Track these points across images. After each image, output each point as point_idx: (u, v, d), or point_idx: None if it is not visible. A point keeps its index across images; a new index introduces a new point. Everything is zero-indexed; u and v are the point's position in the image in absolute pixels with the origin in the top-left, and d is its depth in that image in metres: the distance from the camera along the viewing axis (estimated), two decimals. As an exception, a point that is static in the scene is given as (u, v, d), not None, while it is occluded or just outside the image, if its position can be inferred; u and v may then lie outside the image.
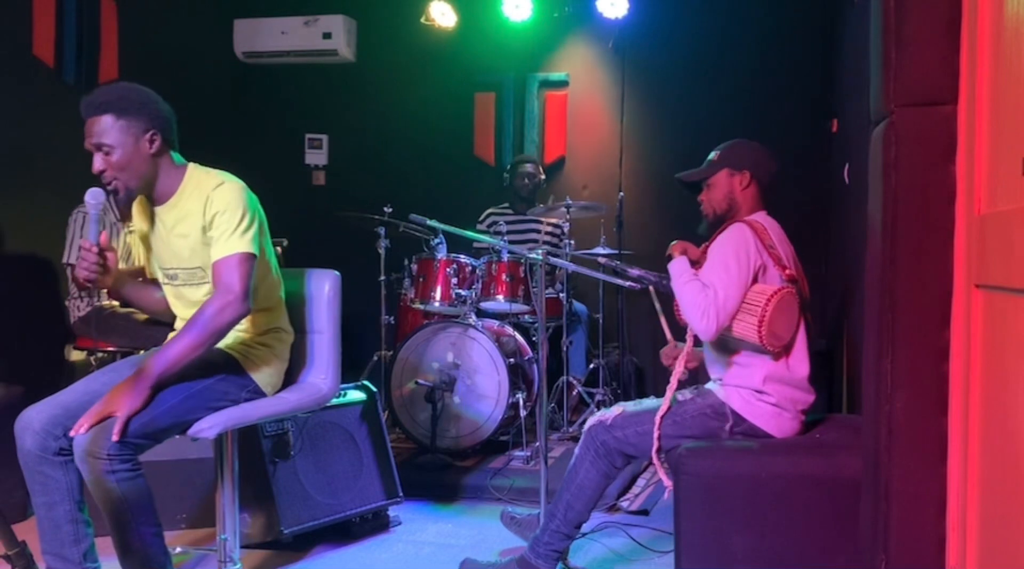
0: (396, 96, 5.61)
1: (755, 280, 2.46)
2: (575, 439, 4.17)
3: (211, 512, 2.67)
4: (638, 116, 5.34)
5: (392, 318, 4.43)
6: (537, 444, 3.65)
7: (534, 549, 2.60)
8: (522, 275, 4.10)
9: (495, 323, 4.15)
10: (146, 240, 2.50)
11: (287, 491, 2.89)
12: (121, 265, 2.41)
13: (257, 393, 2.45)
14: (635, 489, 3.56)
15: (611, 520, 3.24)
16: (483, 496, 3.56)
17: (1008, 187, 1.33)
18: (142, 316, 3.48)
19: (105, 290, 2.71)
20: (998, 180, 1.38)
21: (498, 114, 5.57)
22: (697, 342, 2.59)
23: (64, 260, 3.69)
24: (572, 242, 4.26)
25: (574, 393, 4.46)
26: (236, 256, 2.31)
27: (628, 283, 3.04)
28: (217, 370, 2.38)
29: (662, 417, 2.49)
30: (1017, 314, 1.27)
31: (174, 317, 2.54)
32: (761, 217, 2.60)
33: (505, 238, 3.95)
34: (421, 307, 4.19)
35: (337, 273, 2.69)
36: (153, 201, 2.42)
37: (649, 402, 2.64)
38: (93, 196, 2.29)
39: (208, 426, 2.28)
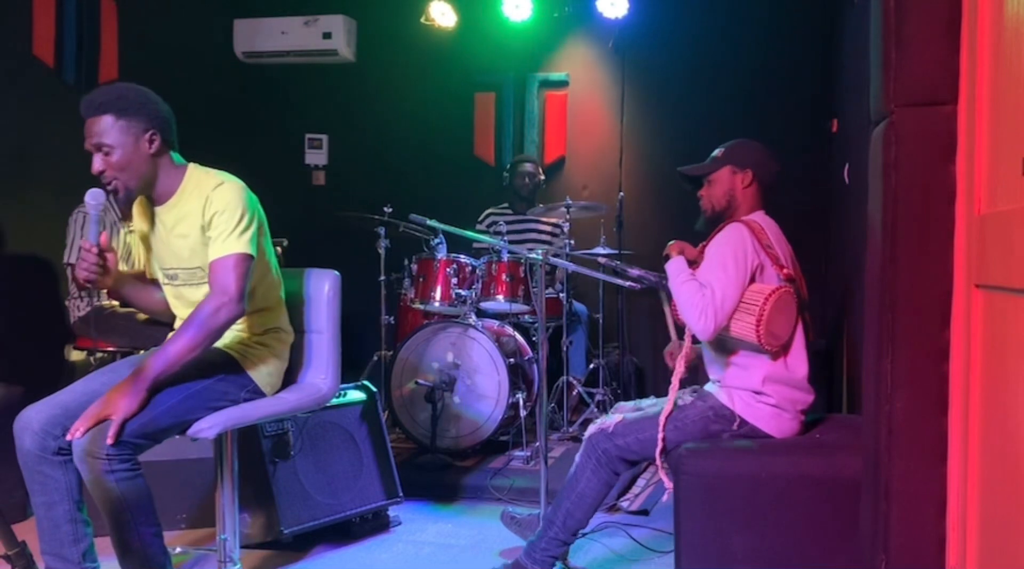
0: (396, 96, 5.60)
1: (753, 280, 2.46)
2: (575, 439, 4.18)
3: (211, 512, 2.67)
4: (638, 116, 5.34)
5: (392, 318, 4.43)
6: (537, 444, 3.65)
7: (530, 554, 2.59)
8: (522, 275, 4.10)
9: (495, 323, 4.15)
10: (146, 240, 2.50)
11: (287, 491, 2.89)
12: (121, 265, 2.41)
13: (257, 393, 2.45)
14: (635, 489, 3.56)
15: (611, 520, 3.24)
16: (483, 496, 3.56)
17: (1008, 187, 1.33)
18: (142, 316, 3.48)
19: (105, 290, 2.71)
20: (998, 180, 1.38)
21: (498, 114, 5.57)
22: (695, 341, 2.59)
23: (64, 260, 3.69)
24: (572, 242, 4.26)
25: (574, 393, 4.46)
26: (233, 257, 2.31)
27: (628, 283, 3.04)
28: (216, 370, 2.37)
29: (667, 418, 2.49)
30: (1017, 314, 1.27)
31: (173, 317, 2.54)
32: (759, 217, 2.60)
33: (505, 238, 3.95)
34: (421, 307, 4.19)
35: (337, 273, 2.69)
36: (153, 201, 2.42)
37: (648, 406, 2.64)
38: (93, 196, 2.29)
39: (208, 426, 2.28)
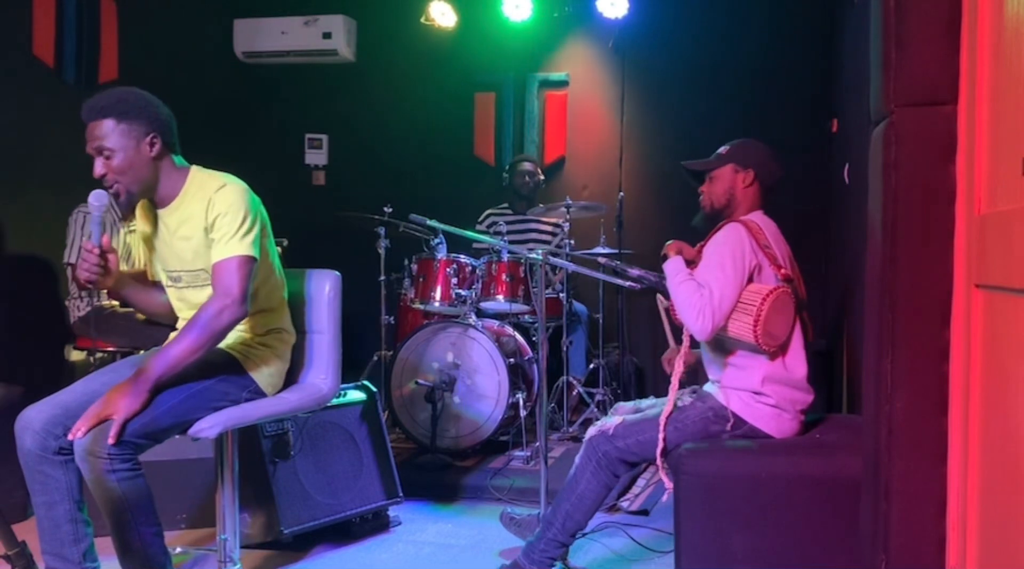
0: (396, 96, 5.60)
1: (750, 280, 2.46)
2: (575, 439, 4.18)
3: (211, 512, 2.67)
4: (638, 116, 5.34)
5: (392, 318, 4.43)
6: (537, 444, 3.65)
7: (528, 555, 2.59)
8: (522, 275, 4.10)
9: (495, 323, 4.15)
10: (149, 242, 2.50)
11: (287, 491, 2.89)
12: (121, 265, 2.41)
13: (258, 393, 2.45)
14: (635, 489, 3.56)
15: (611, 520, 3.24)
16: (483, 496, 3.57)
17: (1008, 187, 1.33)
18: (142, 316, 3.48)
19: (105, 291, 2.71)
20: (998, 180, 1.38)
21: (498, 114, 5.57)
22: (694, 343, 2.59)
23: (64, 260, 3.69)
24: (572, 242, 4.26)
25: (574, 393, 4.46)
26: (236, 259, 2.31)
27: (628, 283, 3.04)
28: (218, 370, 2.37)
29: (667, 418, 2.49)
30: (1017, 314, 1.27)
31: (175, 319, 2.54)
32: (757, 217, 2.60)
33: (505, 238, 3.96)
34: (421, 307, 4.19)
35: (337, 273, 2.69)
36: (156, 204, 2.42)
37: (648, 407, 2.64)
38: (97, 197, 2.29)
39: (208, 426, 2.28)
